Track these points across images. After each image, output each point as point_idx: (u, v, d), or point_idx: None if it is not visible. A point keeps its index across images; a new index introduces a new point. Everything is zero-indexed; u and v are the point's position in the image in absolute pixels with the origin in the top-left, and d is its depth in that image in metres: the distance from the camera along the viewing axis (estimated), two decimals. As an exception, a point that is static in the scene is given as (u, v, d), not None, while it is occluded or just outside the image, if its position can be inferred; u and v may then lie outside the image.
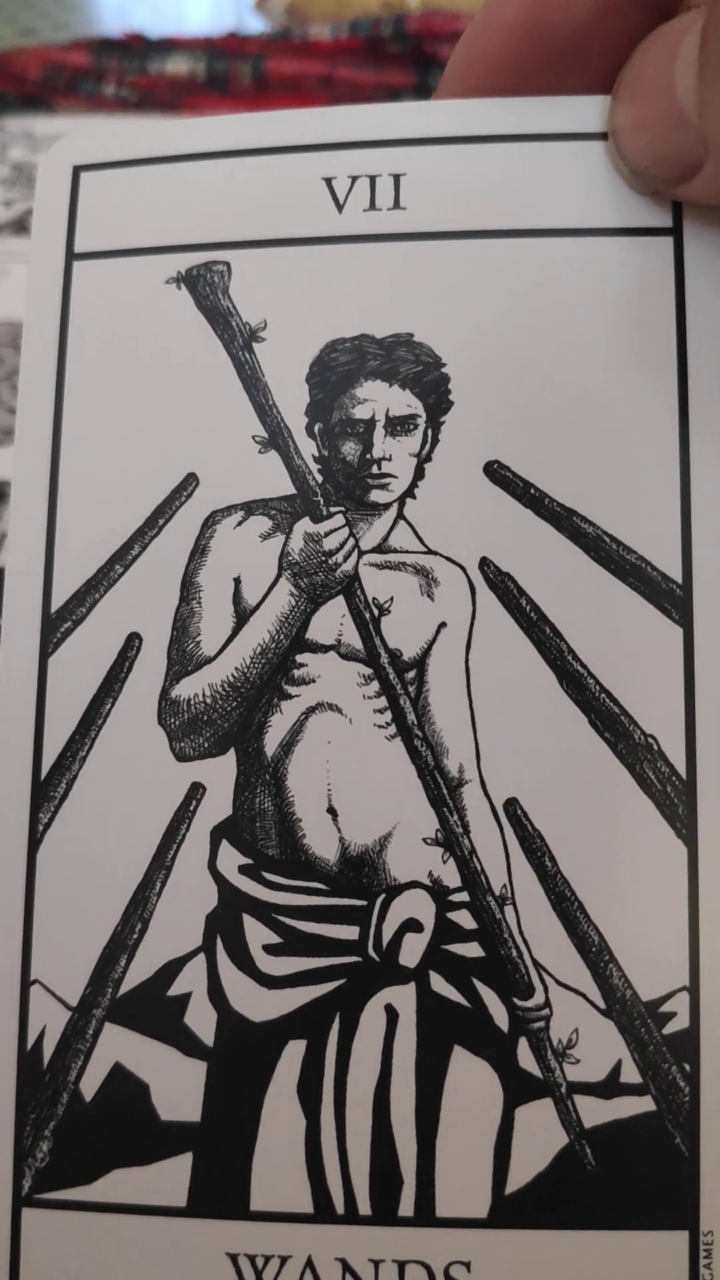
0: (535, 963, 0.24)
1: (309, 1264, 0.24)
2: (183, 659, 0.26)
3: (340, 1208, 0.24)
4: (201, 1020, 0.25)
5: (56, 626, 0.26)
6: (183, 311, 0.27)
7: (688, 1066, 0.24)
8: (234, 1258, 0.24)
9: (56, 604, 0.26)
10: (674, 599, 0.25)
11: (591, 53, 0.25)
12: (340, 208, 0.27)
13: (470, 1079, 0.24)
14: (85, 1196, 0.24)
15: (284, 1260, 0.24)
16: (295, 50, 0.76)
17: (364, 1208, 0.24)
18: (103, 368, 0.27)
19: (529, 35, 0.25)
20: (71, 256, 0.27)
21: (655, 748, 0.25)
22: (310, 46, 0.76)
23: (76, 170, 0.28)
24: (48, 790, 0.25)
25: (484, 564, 0.25)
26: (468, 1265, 0.24)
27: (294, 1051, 0.24)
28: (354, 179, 0.27)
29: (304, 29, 0.78)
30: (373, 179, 0.27)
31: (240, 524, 0.26)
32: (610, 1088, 0.24)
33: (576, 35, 0.25)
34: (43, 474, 0.27)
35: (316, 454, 0.26)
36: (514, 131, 0.26)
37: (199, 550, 0.26)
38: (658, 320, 0.26)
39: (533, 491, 0.25)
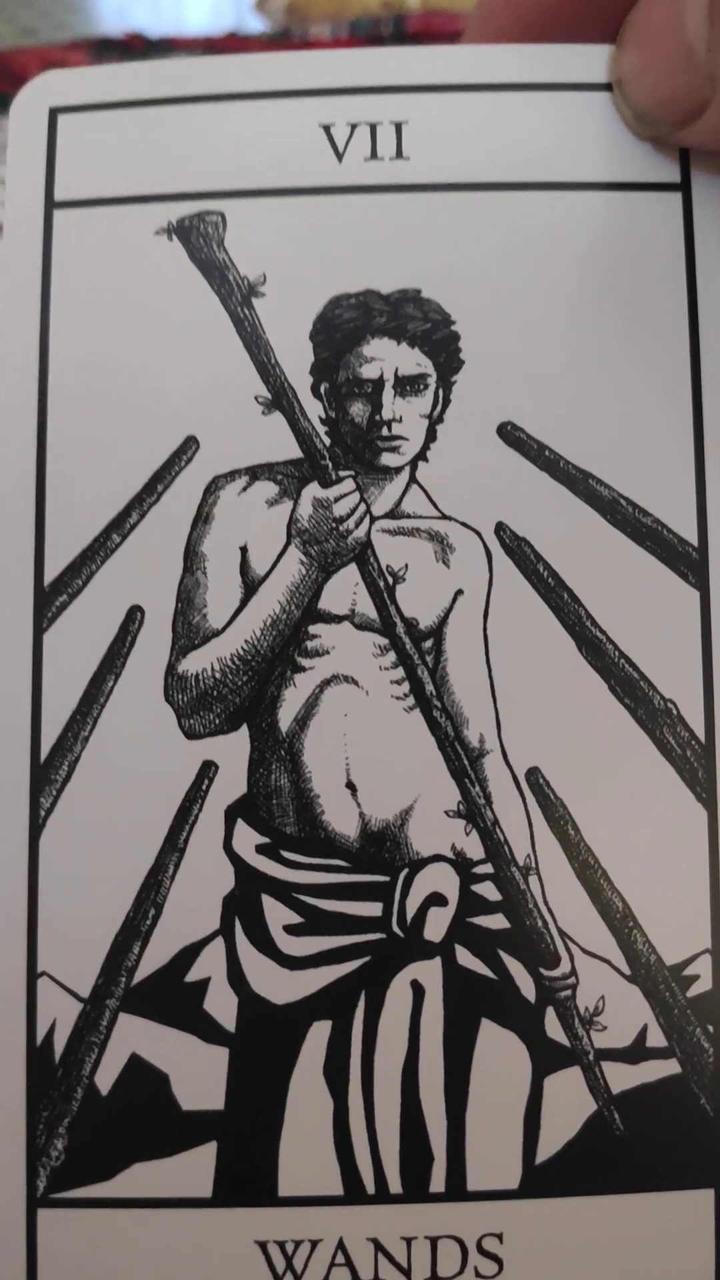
0: (560, 932, 0.25)
1: (340, 1246, 0.24)
2: (189, 632, 0.26)
3: (371, 1188, 0.25)
4: (222, 1006, 0.25)
5: (51, 600, 0.26)
6: (175, 265, 0.27)
7: (711, 1028, 0.25)
8: (263, 1245, 0.24)
9: (50, 576, 0.26)
10: (690, 562, 0.26)
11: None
12: (340, 157, 0.27)
13: (498, 1051, 0.25)
14: (105, 1193, 0.24)
15: (314, 1244, 0.24)
16: (295, 50, 0.75)
17: (394, 1186, 0.25)
18: (90, 325, 0.27)
19: None
20: (51, 205, 0.27)
21: (675, 712, 0.26)
22: (310, 46, 0.76)
23: (54, 112, 0.27)
24: (48, 773, 0.25)
25: (500, 529, 0.26)
26: (500, 1237, 0.25)
27: (319, 1033, 0.25)
28: (354, 126, 0.27)
29: (304, 29, 0.79)
30: (373, 127, 0.27)
31: (245, 489, 0.26)
32: (637, 1053, 0.25)
33: None
34: (29, 440, 0.26)
35: (323, 415, 0.26)
36: (521, 80, 0.27)
37: (202, 518, 0.26)
38: (668, 277, 0.27)
39: (547, 454, 0.26)
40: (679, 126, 0.26)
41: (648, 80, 0.25)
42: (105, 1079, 0.25)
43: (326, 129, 0.27)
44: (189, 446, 0.26)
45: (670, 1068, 0.25)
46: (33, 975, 0.25)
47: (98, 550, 0.26)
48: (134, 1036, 0.25)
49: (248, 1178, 0.24)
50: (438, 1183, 0.25)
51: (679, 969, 0.25)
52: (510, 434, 0.26)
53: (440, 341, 0.26)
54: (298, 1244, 0.24)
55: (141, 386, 0.26)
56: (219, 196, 0.27)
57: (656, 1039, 0.25)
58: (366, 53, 0.27)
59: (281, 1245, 0.24)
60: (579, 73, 0.27)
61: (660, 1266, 0.25)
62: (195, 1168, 0.24)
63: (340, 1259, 0.24)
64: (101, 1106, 0.25)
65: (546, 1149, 0.25)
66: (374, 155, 0.27)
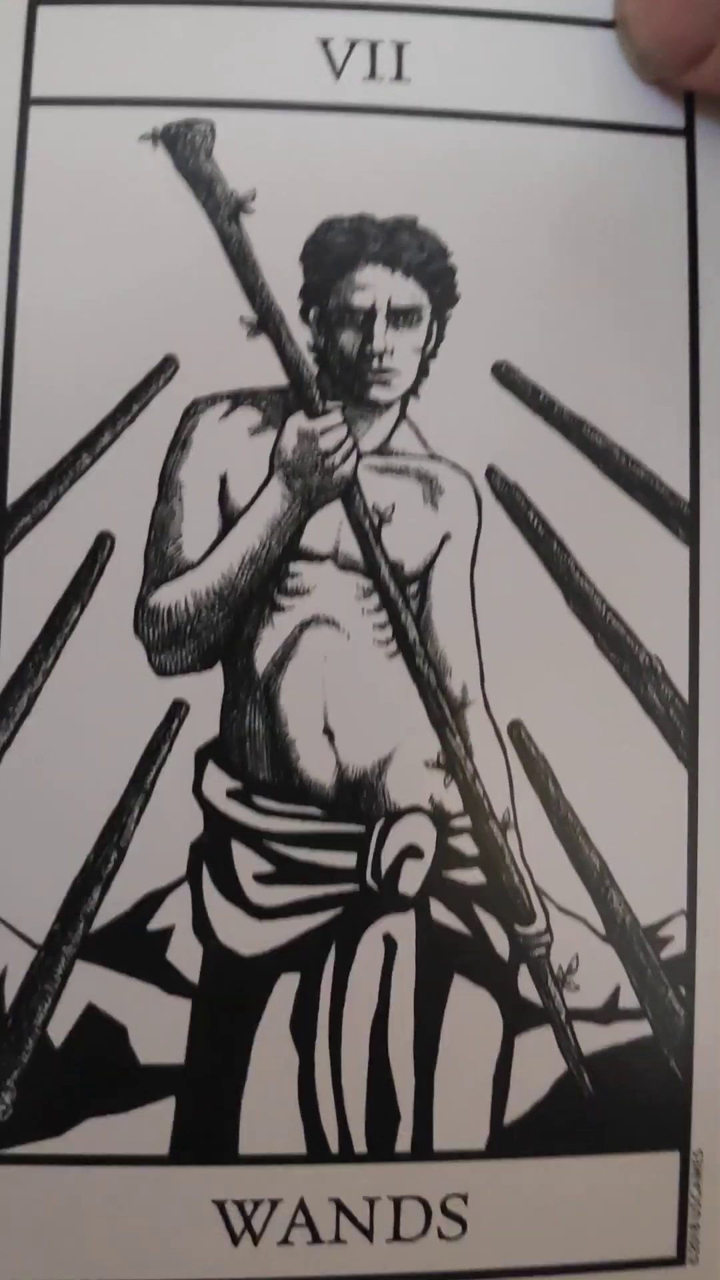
0: (537, 889, 0.25)
1: (301, 1206, 0.24)
2: (162, 563, 0.25)
3: (335, 1147, 0.24)
4: (185, 956, 0.24)
5: (13, 522, 0.25)
6: (159, 173, 0.25)
7: (683, 990, 0.25)
8: (221, 1204, 0.24)
9: (13, 496, 0.25)
10: (681, 517, 0.26)
11: None
12: (338, 74, 0.26)
13: (470, 1009, 0.25)
14: (55, 1149, 0.24)
15: (274, 1204, 0.24)
16: None
17: (359, 1146, 0.24)
18: (66, 229, 0.25)
19: None
20: (28, 101, 0.25)
21: (659, 670, 0.26)
22: None
23: (33, 3, 0.26)
24: (5, 706, 0.24)
25: (490, 473, 0.25)
26: (465, 1198, 0.24)
27: (286, 986, 0.24)
28: (353, 43, 0.26)
29: None
30: (373, 45, 0.26)
31: (226, 415, 0.25)
32: (609, 1013, 0.25)
33: None
34: (-6, 348, 0.25)
35: (311, 342, 0.25)
36: (529, 10, 0.26)
37: (180, 443, 0.25)
38: (670, 223, 0.26)
39: (541, 397, 0.26)
40: (684, 69, 0.25)
41: (653, 20, 0.25)
42: (59, 1030, 0.24)
43: (324, 43, 0.26)
44: (167, 366, 0.25)
45: (641, 1029, 0.25)
46: (-17, 920, 0.24)
47: (65, 471, 0.25)
48: (91, 986, 0.24)
49: (207, 1135, 0.24)
50: (404, 1142, 0.24)
51: (653, 930, 0.25)
52: (505, 374, 0.26)
53: (436, 274, 0.26)
54: (257, 1204, 0.24)
55: (118, 299, 0.25)
56: (208, 105, 0.26)
57: (629, 1000, 0.25)
58: (371, -36, 0.26)
59: (240, 1205, 0.24)
60: (587, 7, 0.26)
61: (624, 1228, 0.25)
62: (152, 1124, 0.24)
63: (301, 1219, 0.24)
64: (53, 1059, 0.24)
65: (515, 1110, 0.25)
66: (373, 75, 0.26)
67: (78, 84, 0.26)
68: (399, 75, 0.26)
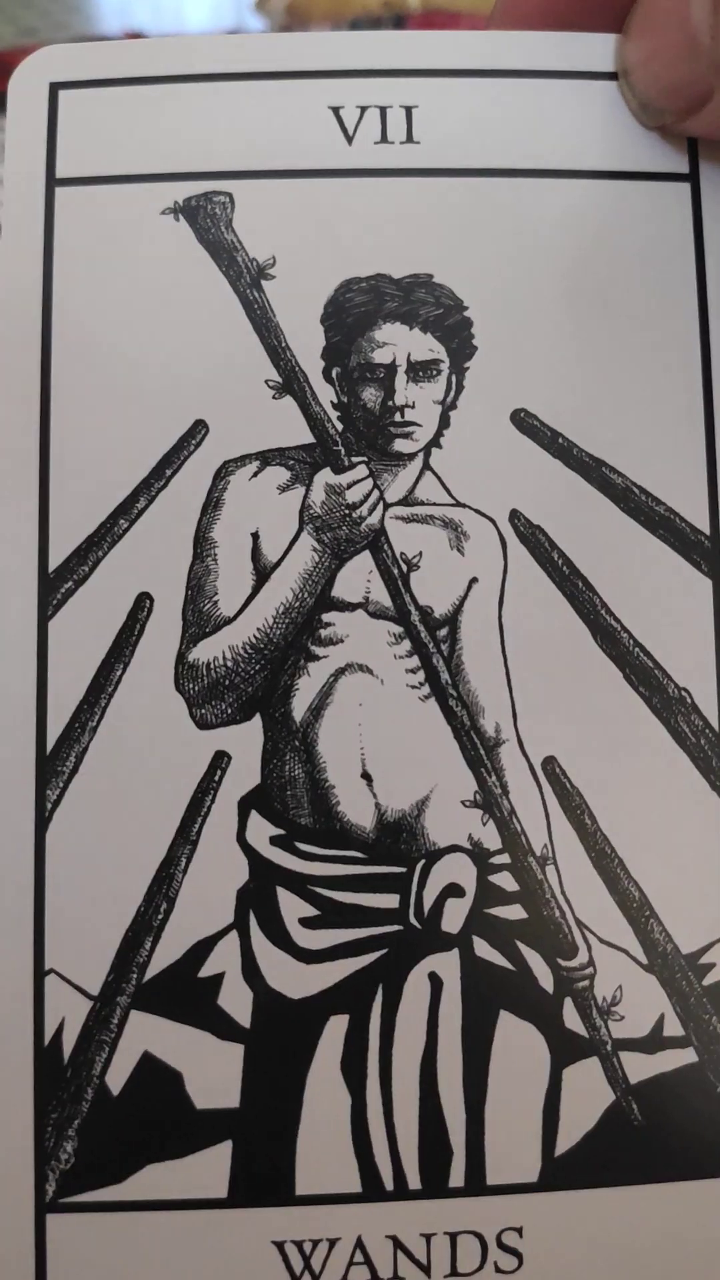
0: (578, 922, 0.26)
1: (359, 1244, 0.25)
2: (200, 620, 0.26)
3: (389, 1184, 0.25)
4: (236, 1001, 0.25)
5: (56, 587, 0.26)
6: (182, 245, 0.27)
7: (727, 1017, 0.26)
8: (280, 1245, 0.24)
9: (55, 562, 0.26)
10: (703, 550, 0.27)
11: None
12: (350, 139, 0.27)
13: (517, 1043, 0.25)
14: (117, 1196, 0.24)
15: (333, 1243, 0.24)
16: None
17: (413, 1182, 0.25)
18: (95, 305, 0.27)
19: None
20: (53, 182, 0.27)
21: (689, 701, 0.26)
22: None
23: (54, 88, 0.27)
24: (54, 765, 0.25)
25: (514, 516, 0.26)
26: (520, 1231, 0.25)
27: (336, 1027, 0.25)
28: (363, 109, 0.27)
29: (304, 28, 0.82)
30: (383, 110, 0.27)
31: (256, 475, 0.26)
32: (654, 1042, 0.26)
33: None
34: (32, 423, 0.26)
35: (335, 400, 0.27)
36: (530, 67, 0.27)
37: (212, 503, 0.26)
38: (678, 266, 0.27)
39: (561, 441, 0.27)
40: (684, 116, 0.26)
41: (652, 69, 0.26)
42: (116, 1079, 0.25)
43: (336, 111, 0.27)
44: (198, 430, 0.26)
45: (687, 1056, 0.26)
46: (40, 973, 0.25)
47: (104, 536, 0.26)
48: (146, 1034, 0.25)
49: (264, 1177, 0.24)
50: (457, 1177, 0.25)
51: (695, 957, 0.26)
52: (524, 421, 0.27)
53: (452, 327, 0.27)
54: (315, 1243, 0.24)
55: (148, 369, 0.26)
56: (226, 177, 0.27)
57: (674, 1028, 0.26)
58: (376, 35, 0.28)
59: (299, 1245, 0.24)
60: (589, 61, 0.27)
61: (681, 1256, 0.25)
62: (210, 1168, 0.24)
63: (359, 1257, 0.25)
64: (112, 1107, 0.24)
65: (565, 1141, 0.25)
66: (384, 139, 0.27)
67: (100, 163, 0.27)
68: (409, 137, 0.27)
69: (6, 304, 0.27)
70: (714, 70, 0.25)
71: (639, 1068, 0.26)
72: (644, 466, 0.27)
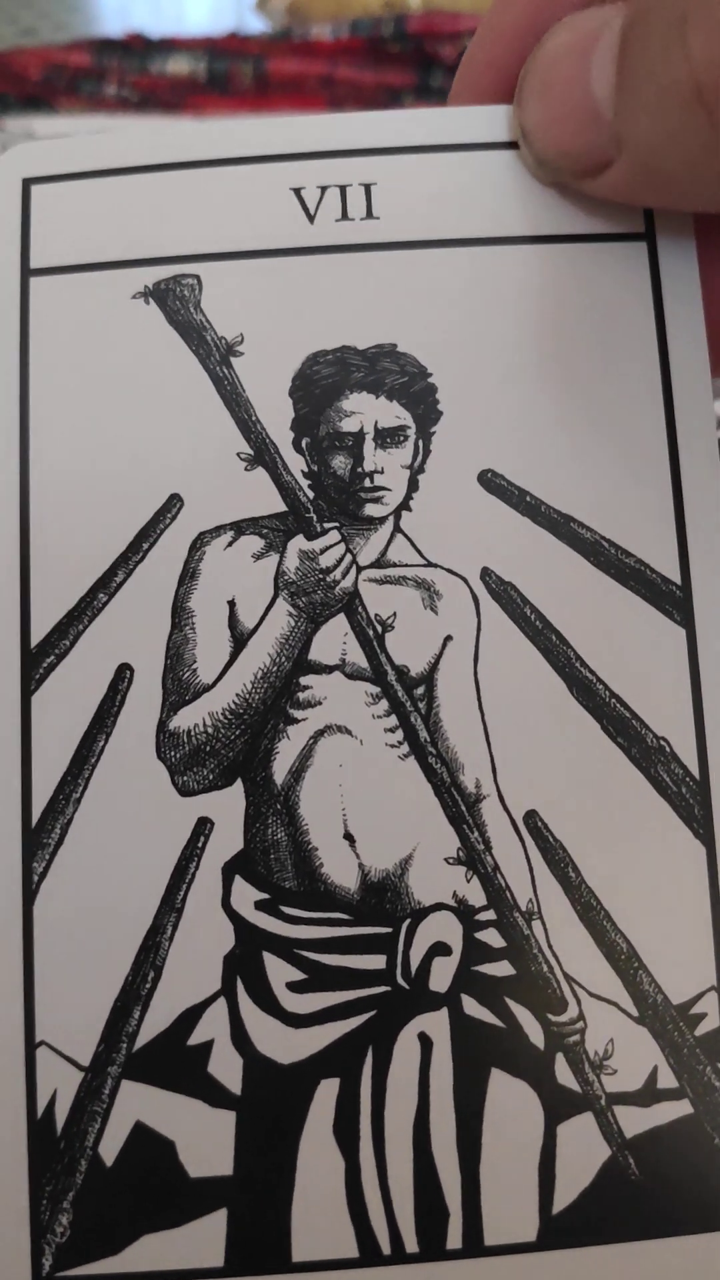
0: (567, 976, 0.27)
1: (358, 1311, 0.25)
2: (179, 688, 0.27)
3: (386, 1248, 0.26)
4: (226, 1068, 0.26)
5: (38, 661, 0.27)
6: (153, 327, 0.29)
7: (722, 1067, 0.26)
8: (279, 1315, 0.25)
9: (37, 637, 0.27)
10: (674, 600, 0.28)
11: None
12: (311, 218, 0.29)
13: (510, 1101, 0.26)
14: (113, 1269, 0.25)
15: (331, 1311, 0.25)
16: (296, 50, 0.82)
17: (410, 1245, 0.26)
18: (70, 388, 0.29)
19: (532, 39, 0.28)
20: (28, 273, 0.29)
21: (668, 750, 0.27)
22: (311, 46, 0.82)
23: (27, 183, 0.29)
24: (40, 837, 0.27)
25: (485, 574, 0.28)
26: (520, 1294, 0.26)
27: (327, 1091, 0.26)
28: (324, 189, 0.29)
29: (305, 29, 0.85)
30: (343, 189, 0.29)
31: (231, 544, 0.28)
32: (648, 1095, 0.26)
33: None
34: (11, 501, 0.28)
35: (305, 469, 0.28)
36: (483, 140, 0.29)
37: (189, 574, 0.28)
38: (638, 322, 0.29)
39: (529, 499, 0.28)
40: (579, 179, 0.28)
41: (550, 133, 0.27)
42: (109, 1149, 0.26)
43: (297, 192, 0.29)
44: (173, 504, 0.28)
45: (682, 1109, 0.26)
46: (31, 1045, 0.26)
47: (84, 610, 0.28)
48: (137, 1104, 0.26)
49: (260, 1244, 0.25)
50: (454, 1239, 0.26)
51: (686, 1008, 0.27)
52: (491, 481, 0.28)
53: (418, 394, 0.28)
54: (314, 1312, 0.25)
55: (124, 447, 0.28)
56: (194, 260, 0.29)
57: (667, 1080, 0.27)
58: (334, 118, 0.30)
59: (297, 1314, 0.25)
60: None
61: (684, 1315, 0.26)
62: (206, 1236, 0.25)
63: (358, 1325, 0.25)
64: (107, 1178, 0.26)
65: (563, 1198, 0.26)
66: (345, 216, 0.29)
67: (72, 253, 0.29)
68: (369, 213, 0.29)
69: (-14, 390, 0.29)
70: (613, 142, 0.26)
71: (634, 1121, 0.26)
72: (612, 520, 0.28)
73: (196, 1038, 0.26)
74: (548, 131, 0.28)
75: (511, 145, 0.29)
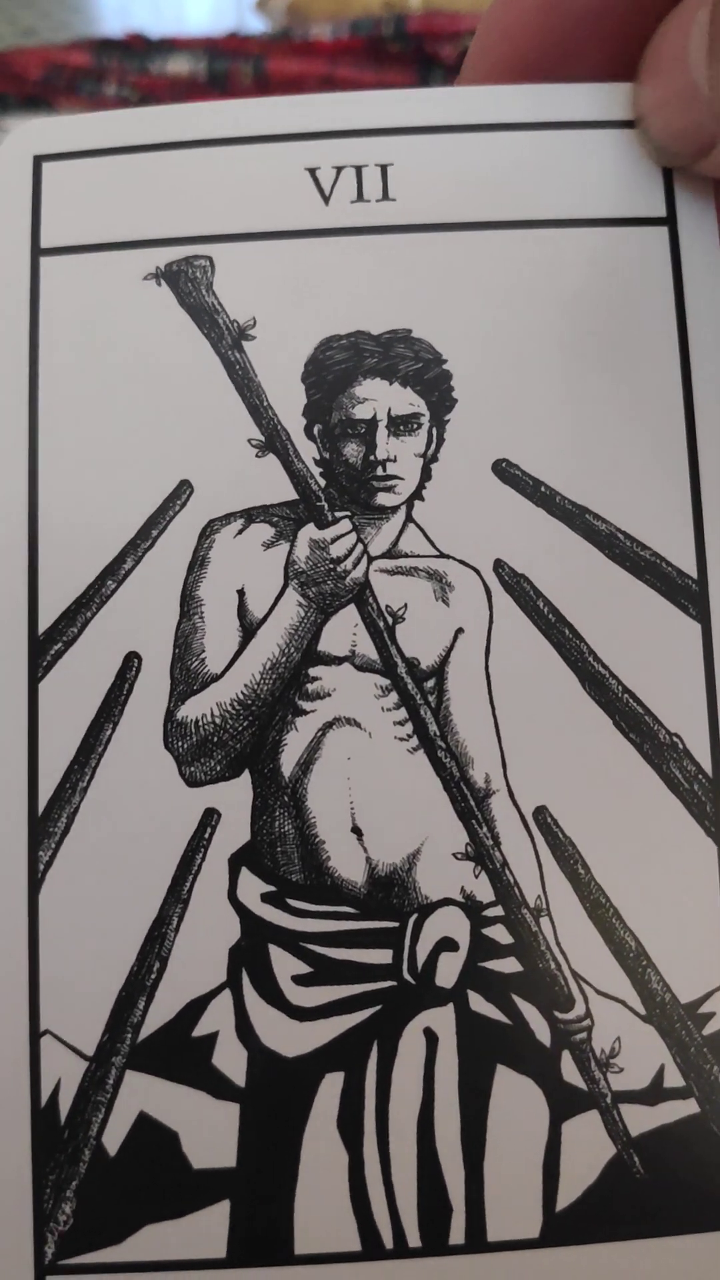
0: (574, 973, 0.27)
1: (360, 1305, 0.25)
2: (187, 678, 0.27)
3: (389, 1243, 0.26)
4: (231, 1060, 0.26)
5: (46, 649, 0.27)
6: (164, 309, 0.28)
7: (729, 1067, 0.26)
8: (280, 1306, 0.25)
9: (44, 625, 0.27)
10: (690, 594, 0.28)
11: (614, 30, 0.27)
12: (326, 199, 0.29)
13: (515, 1098, 0.26)
14: (116, 1258, 0.25)
15: (333, 1303, 0.25)
16: (296, 50, 0.83)
17: (413, 1240, 0.26)
18: (80, 371, 0.28)
19: (550, 9, 0.27)
20: (38, 252, 0.29)
21: (680, 746, 0.27)
22: (311, 46, 0.83)
23: (38, 160, 0.29)
24: (46, 826, 0.27)
25: (498, 566, 0.28)
26: (523, 1289, 0.26)
27: (331, 1085, 0.26)
28: (339, 169, 0.29)
29: (305, 29, 0.86)
30: (359, 169, 0.29)
31: (241, 532, 0.28)
32: (655, 1094, 0.26)
33: (599, 10, 0.27)
34: (19, 486, 0.28)
35: (317, 457, 0.28)
36: (502, 120, 0.29)
37: (198, 562, 0.27)
38: (657, 310, 0.29)
39: (543, 490, 0.28)
40: (694, 159, 0.28)
41: (663, 115, 0.28)
42: (113, 1139, 0.26)
43: (312, 172, 0.29)
44: (183, 490, 0.28)
45: (689, 1108, 0.26)
46: (35, 1034, 0.26)
47: (92, 597, 0.27)
48: (141, 1094, 0.26)
49: (263, 1236, 0.25)
50: (457, 1234, 0.26)
51: (694, 1006, 0.27)
52: (505, 471, 0.28)
53: (432, 380, 0.28)
54: (316, 1304, 0.25)
55: (133, 432, 0.28)
56: (206, 241, 0.29)
57: (674, 1079, 0.26)
58: (350, 96, 0.29)
59: (299, 1306, 0.25)
60: (560, 111, 0.29)
61: (686, 1314, 0.26)
62: (208, 1228, 0.25)
63: (360, 1318, 0.25)
64: (110, 1168, 0.26)
65: (566, 1196, 0.26)
66: (360, 197, 0.29)
67: (83, 232, 0.29)
68: (385, 195, 0.29)
69: (-6, 372, 0.28)
70: (714, 118, 0.26)
71: (640, 1120, 0.26)
72: (628, 512, 0.28)
73: (201, 1029, 0.26)
74: (657, 113, 0.28)
75: (532, 126, 0.29)
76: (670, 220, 0.29)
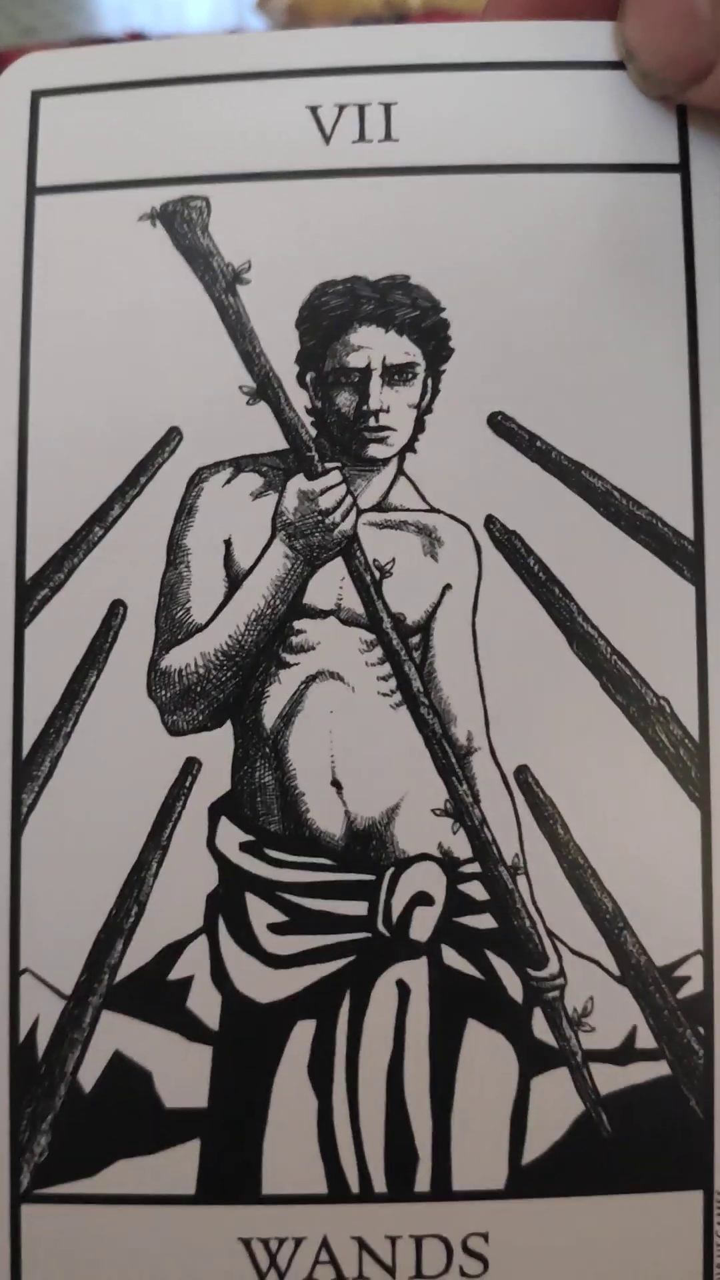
0: (549, 932, 0.27)
1: (324, 1244, 0.26)
2: (172, 627, 0.27)
3: (355, 1187, 0.26)
4: (205, 1004, 0.27)
5: (32, 594, 0.27)
6: (159, 251, 0.28)
7: (702, 1030, 0.27)
8: (247, 1242, 0.26)
9: (31, 570, 0.28)
10: (685, 556, 0.27)
11: None
12: (327, 139, 0.28)
13: (485, 1051, 0.27)
14: (88, 1189, 0.26)
15: (299, 1242, 0.26)
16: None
17: (379, 1185, 0.26)
18: (72, 312, 0.28)
19: None
20: (33, 190, 0.28)
21: (668, 710, 0.27)
22: None
23: (35, 96, 0.29)
24: (30, 770, 0.27)
25: (489, 522, 0.27)
26: (485, 1236, 0.26)
27: (303, 1032, 0.27)
28: (341, 108, 0.28)
29: (305, 28, 0.84)
30: (361, 108, 0.28)
31: (229, 482, 0.28)
32: (626, 1054, 0.27)
33: None
34: (9, 430, 0.28)
35: (309, 406, 0.28)
36: (513, 59, 0.28)
37: (185, 510, 0.27)
38: (666, 261, 0.28)
39: (539, 444, 0.27)
40: (686, 87, 0.27)
41: (654, 42, 0.27)
42: (88, 1076, 0.27)
43: (313, 110, 0.28)
44: (172, 437, 0.28)
45: (660, 1069, 0.27)
46: (15, 972, 0.27)
47: (79, 543, 0.27)
48: (117, 1034, 0.27)
49: (231, 1175, 0.26)
50: (423, 1182, 0.26)
51: (669, 970, 0.27)
52: (501, 425, 0.27)
53: (429, 329, 0.28)
54: (281, 1241, 0.26)
55: (124, 376, 0.28)
56: (203, 181, 0.28)
57: (646, 1040, 0.27)
58: (353, 31, 0.29)
59: (265, 1243, 0.26)
60: (575, 50, 0.28)
61: (648, 1268, 0.26)
62: (179, 1165, 0.26)
63: (324, 1257, 0.26)
64: (84, 1103, 0.26)
65: (533, 1149, 0.26)
66: (362, 137, 0.28)
67: (79, 171, 0.28)
68: (387, 135, 0.28)
69: (-12, 312, 0.28)
70: (714, 43, 0.25)
71: (609, 1079, 0.27)
72: (626, 469, 0.28)
73: (177, 973, 0.27)
74: (650, 40, 0.27)
75: (543, 65, 0.28)
76: (684, 167, 0.28)
